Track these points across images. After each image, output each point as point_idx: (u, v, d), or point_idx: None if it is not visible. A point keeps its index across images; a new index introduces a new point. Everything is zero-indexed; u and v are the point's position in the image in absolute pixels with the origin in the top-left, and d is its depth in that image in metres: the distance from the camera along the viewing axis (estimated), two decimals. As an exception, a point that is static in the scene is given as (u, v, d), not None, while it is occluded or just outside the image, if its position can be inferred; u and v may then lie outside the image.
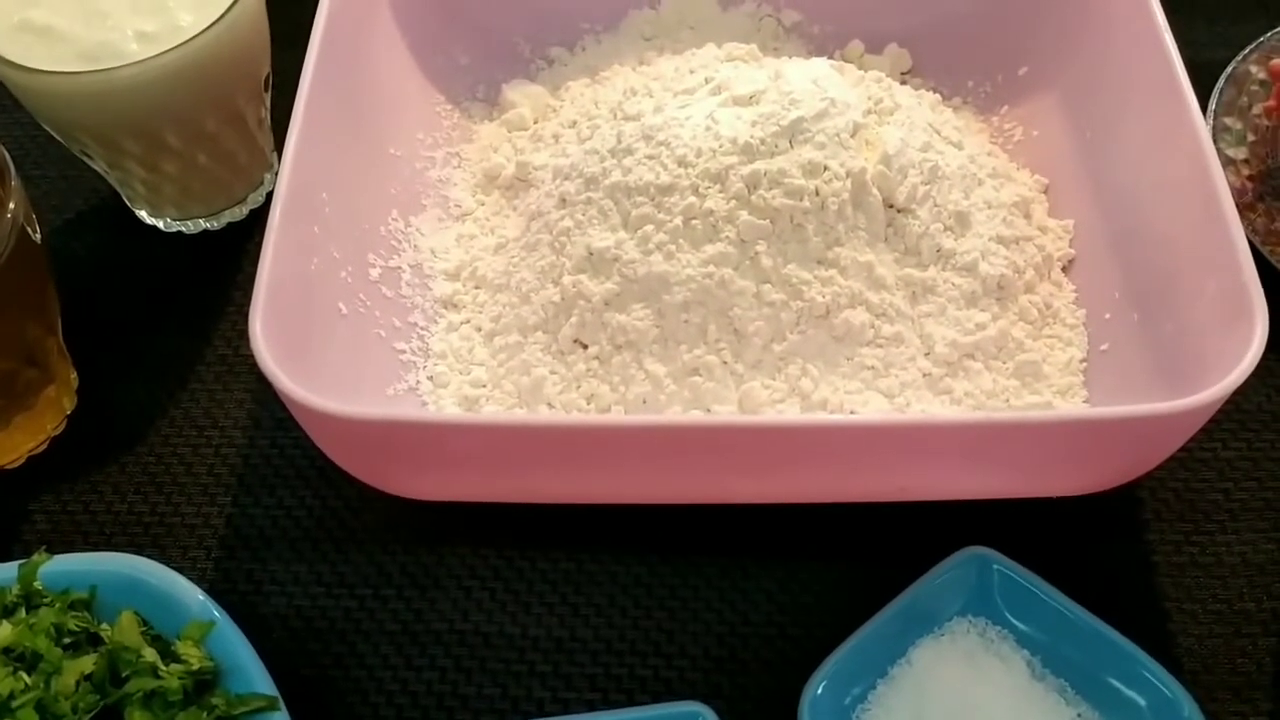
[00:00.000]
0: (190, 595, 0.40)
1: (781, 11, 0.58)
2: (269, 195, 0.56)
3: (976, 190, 0.47)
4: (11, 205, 0.41)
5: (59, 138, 0.50)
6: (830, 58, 0.56)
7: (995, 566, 0.40)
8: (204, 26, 0.46)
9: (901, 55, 0.57)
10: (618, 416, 0.41)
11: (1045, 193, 0.51)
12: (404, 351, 0.47)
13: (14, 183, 0.42)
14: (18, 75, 0.45)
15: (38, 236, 0.44)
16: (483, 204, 0.53)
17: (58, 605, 0.39)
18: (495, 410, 0.45)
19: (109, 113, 0.46)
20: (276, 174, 0.56)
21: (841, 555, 0.44)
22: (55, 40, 0.46)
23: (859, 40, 0.57)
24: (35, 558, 0.41)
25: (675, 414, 0.41)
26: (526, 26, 0.59)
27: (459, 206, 0.53)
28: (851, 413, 0.42)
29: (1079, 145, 0.50)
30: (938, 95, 0.53)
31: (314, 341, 0.42)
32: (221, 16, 0.46)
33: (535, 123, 0.55)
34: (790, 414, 0.41)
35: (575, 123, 0.52)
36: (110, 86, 0.45)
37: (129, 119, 0.47)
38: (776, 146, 0.44)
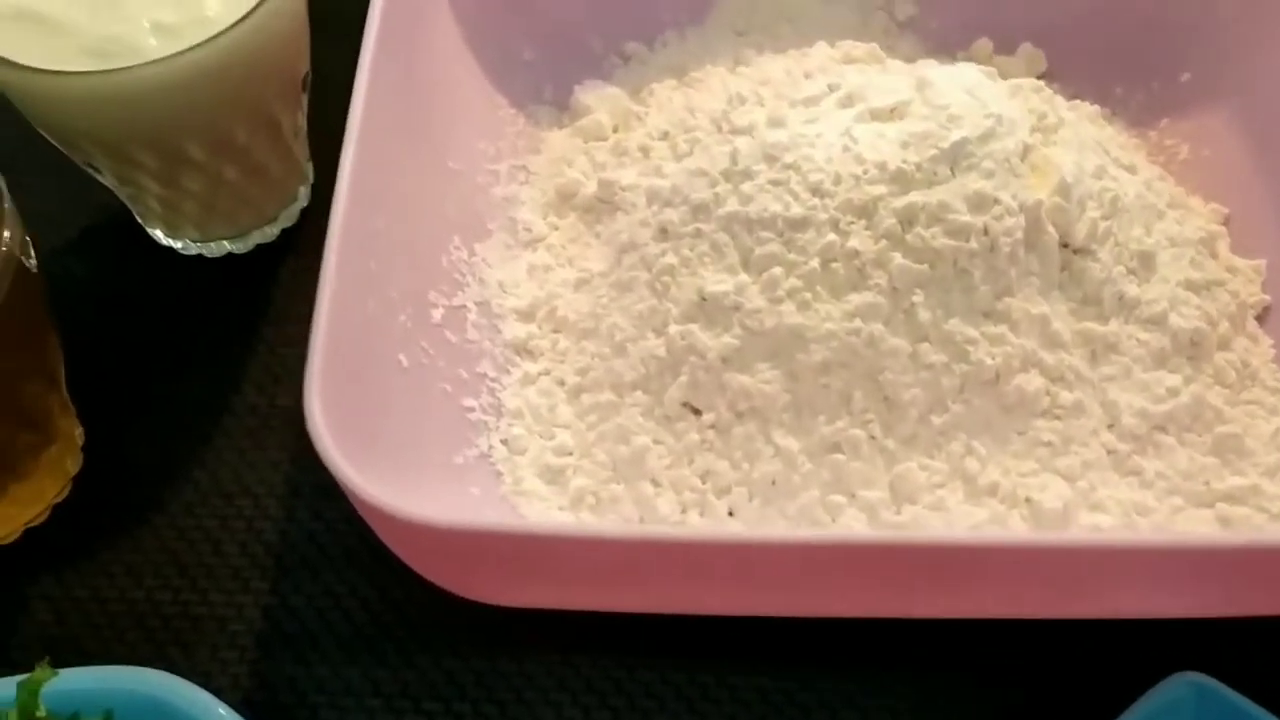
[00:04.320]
0: (226, 727, 0.33)
1: (894, 4, 0.51)
2: (303, 213, 0.49)
3: (1157, 225, 0.40)
4: (6, 235, 0.33)
5: (60, 146, 0.42)
6: (953, 58, 0.49)
7: (1217, 698, 0.33)
8: (237, 17, 0.38)
9: (1036, 56, 0.49)
10: (770, 533, 0.33)
11: (1225, 224, 0.43)
12: (473, 409, 0.40)
13: (7, 206, 0.34)
14: (10, 74, 0.37)
15: (33, 264, 0.36)
16: (556, 228, 0.45)
17: (64, 741, 0.32)
18: (584, 484, 0.38)
19: (120, 120, 0.39)
20: (312, 188, 0.49)
21: (997, 675, 0.36)
22: (56, 32, 0.38)
23: (987, 38, 0.50)
24: (37, 673, 0.33)
25: (840, 527, 0.34)
26: (599, 17, 0.51)
27: (528, 230, 0.45)
28: (1027, 500, 0.35)
29: (1263, 168, 0.43)
30: (1096, 107, 0.45)
31: (372, 407, 0.35)
32: (258, 5, 0.38)
33: (615, 131, 0.47)
34: (973, 528, 0.34)
35: (668, 134, 0.45)
36: (123, 90, 0.37)
37: (144, 128, 0.39)
38: (935, 174, 0.36)
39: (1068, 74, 0.49)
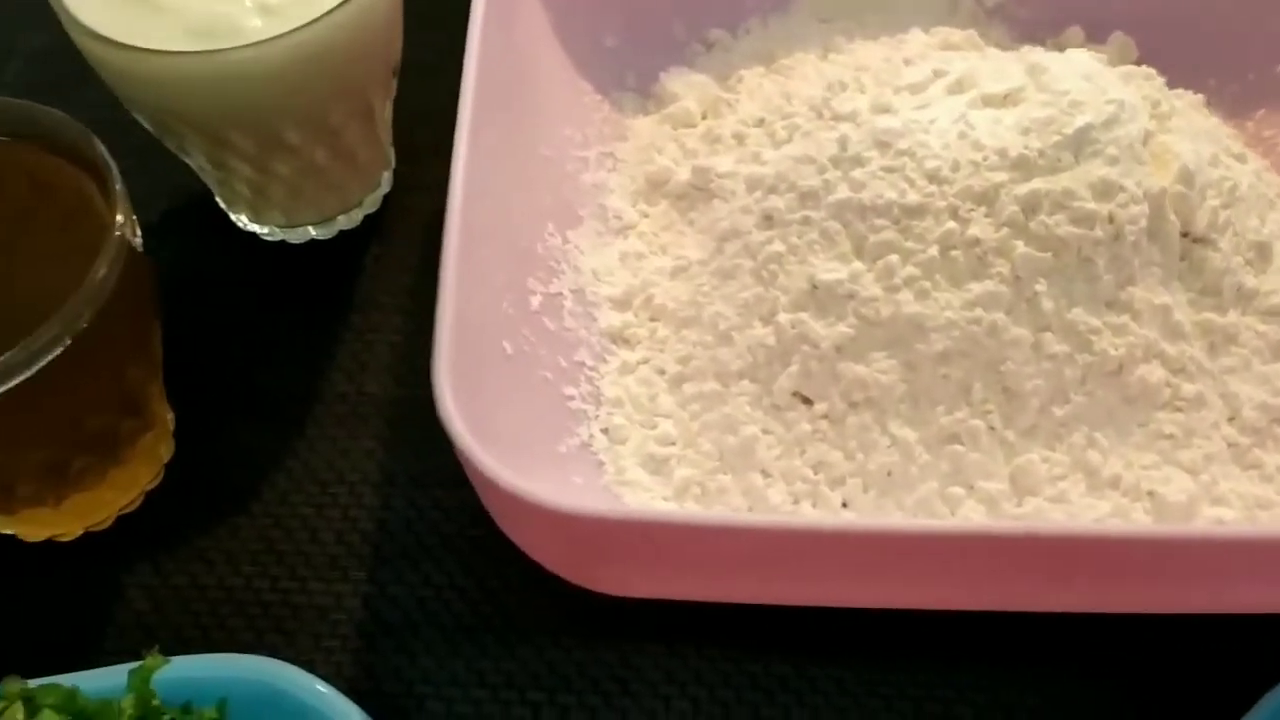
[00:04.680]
0: (345, 717, 0.32)
1: (983, -10, 0.50)
2: (385, 199, 0.48)
3: (1270, 215, 0.39)
4: (119, 219, 0.33)
5: (151, 128, 0.42)
6: (1043, 46, 0.48)
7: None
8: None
9: (1128, 45, 0.49)
10: (895, 524, 0.33)
11: (1331, 216, 0.42)
12: (573, 398, 0.39)
13: (118, 188, 0.34)
14: (111, 53, 0.37)
15: (139, 244, 0.36)
16: (646, 215, 0.45)
17: (182, 730, 0.31)
18: (689, 474, 0.37)
19: (221, 102, 0.38)
20: (394, 173, 0.49)
21: (1116, 672, 0.36)
22: (158, 12, 0.37)
23: (1079, 26, 0.49)
24: (148, 661, 0.32)
25: (960, 519, 0.34)
26: (682, 3, 0.50)
27: (618, 218, 0.44)
28: (1150, 493, 0.34)
29: (1370, 159, 0.42)
30: (1200, 96, 0.45)
31: (483, 395, 0.34)
32: (361, -13, 0.38)
33: (704, 118, 0.47)
34: (1113, 520, 0.33)
35: (763, 121, 0.44)
36: (226, 71, 0.37)
37: (244, 110, 0.39)
38: (1059, 161, 0.35)
39: (1160, 64, 0.48)
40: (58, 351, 0.31)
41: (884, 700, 0.36)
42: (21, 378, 0.30)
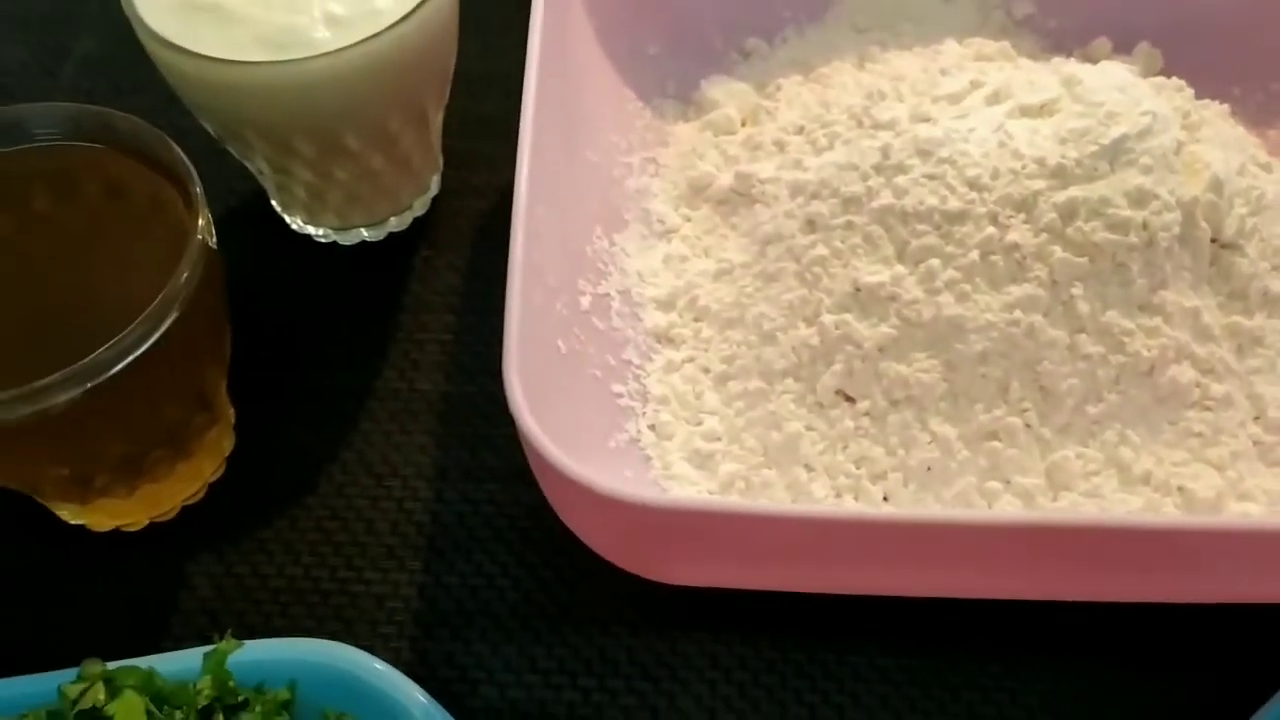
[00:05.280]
0: (412, 698, 0.34)
1: (1012, 3, 0.51)
2: (434, 202, 0.50)
3: (1296, 221, 0.40)
4: (200, 223, 0.34)
5: (216, 134, 0.43)
6: (1069, 56, 0.50)
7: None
8: (406, 10, 0.39)
9: (1154, 55, 0.50)
10: (941, 514, 0.34)
11: (1354, 223, 0.44)
12: (621, 395, 0.41)
13: (197, 190, 0.35)
14: (184, 62, 0.38)
15: (214, 243, 0.37)
16: (689, 219, 0.46)
17: (259, 709, 0.33)
18: (734, 469, 0.39)
19: (289, 110, 0.40)
20: (442, 177, 0.50)
21: (1157, 659, 0.37)
22: (228, 21, 0.39)
23: (1105, 37, 0.50)
24: (222, 645, 0.34)
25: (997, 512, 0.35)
26: (721, 12, 0.52)
27: (662, 222, 0.46)
28: (1180, 489, 0.36)
29: (1392, 168, 0.44)
30: (1226, 106, 0.46)
31: (542, 393, 0.36)
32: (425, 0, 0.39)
33: (744, 125, 0.48)
34: (1158, 513, 0.35)
35: (803, 128, 0.46)
36: (297, 80, 0.38)
37: (310, 118, 0.40)
38: (1096, 169, 0.37)
39: (1184, 74, 0.49)
40: (144, 349, 0.32)
41: (922, 688, 0.37)
42: (109, 374, 0.32)
